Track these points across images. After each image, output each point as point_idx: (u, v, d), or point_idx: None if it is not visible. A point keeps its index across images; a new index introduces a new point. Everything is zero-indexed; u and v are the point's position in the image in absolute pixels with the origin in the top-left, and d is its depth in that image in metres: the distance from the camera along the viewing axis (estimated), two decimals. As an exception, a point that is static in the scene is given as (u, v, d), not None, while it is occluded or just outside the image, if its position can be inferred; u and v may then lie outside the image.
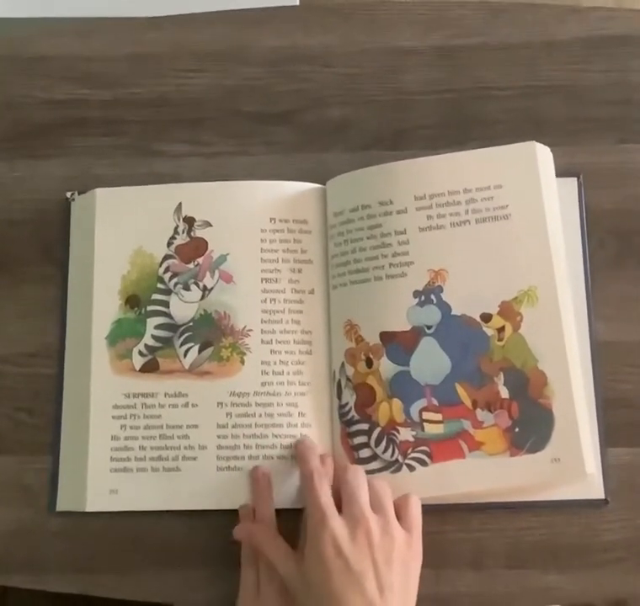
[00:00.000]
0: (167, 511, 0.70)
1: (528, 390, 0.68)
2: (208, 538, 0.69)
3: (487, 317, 0.70)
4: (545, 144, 0.73)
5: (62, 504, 0.71)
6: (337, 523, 0.62)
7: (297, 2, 1.15)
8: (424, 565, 0.67)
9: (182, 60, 0.82)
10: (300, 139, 0.79)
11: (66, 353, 0.74)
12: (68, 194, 0.77)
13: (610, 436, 0.70)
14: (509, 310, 0.69)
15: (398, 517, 0.65)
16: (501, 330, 0.69)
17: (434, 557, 0.68)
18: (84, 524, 0.71)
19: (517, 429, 0.67)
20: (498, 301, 0.70)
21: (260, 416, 0.70)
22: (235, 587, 0.67)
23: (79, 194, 0.77)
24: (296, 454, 0.69)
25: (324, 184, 0.75)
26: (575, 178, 0.75)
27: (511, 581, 0.68)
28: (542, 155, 0.72)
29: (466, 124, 0.79)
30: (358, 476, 0.65)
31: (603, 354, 0.72)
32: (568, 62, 0.80)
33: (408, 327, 0.70)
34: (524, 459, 0.67)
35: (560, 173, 0.74)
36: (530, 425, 0.67)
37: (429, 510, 0.68)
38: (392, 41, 0.81)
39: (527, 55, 0.80)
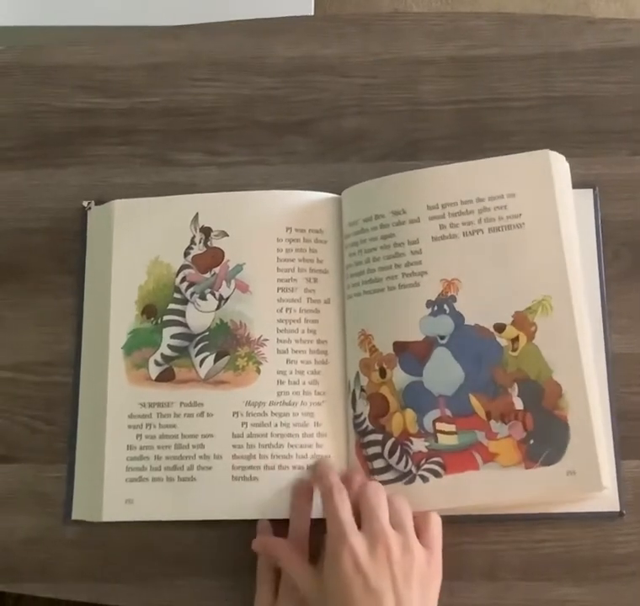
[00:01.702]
0: (181, 520, 0.70)
1: (543, 401, 0.68)
2: (222, 547, 0.69)
3: (500, 327, 0.69)
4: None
5: (78, 513, 0.71)
6: (356, 540, 0.62)
7: (312, 12, 1.15)
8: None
9: (198, 69, 0.82)
10: (316, 149, 0.79)
11: (83, 362, 0.74)
12: (85, 204, 0.78)
13: (624, 448, 0.70)
14: (522, 321, 0.69)
15: (418, 534, 0.64)
16: (515, 340, 0.69)
17: (450, 569, 0.68)
18: (99, 533, 0.71)
19: (532, 441, 0.67)
20: (511, 311, 0.69)
21: (276, 425, 0.70)
22: (248, 597, 0.67)
23: (96, 203, 0.77)
24: (315, 472, 0.69)
25: (340, 194, 0.75)
26: (591, 190, 0.75)
27: (526, 593, 0.68)
28: (557, 163, 0.72)
29: (482, 134, 0.79)
30: (378, 493, 0.65)
31: (617, 366, 0.72)
32: (583, 74, 0.80)
33: (420, 337, 0.70)
34: (539, 471, 0.66)
35: (575, 185, 0.73)
36: (546, 437, 0.67)
37: (445, 521, 0.68)
38: (408, 52, 0.81)
39: (543, 66, 0.80)
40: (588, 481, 0.66)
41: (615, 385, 0.71)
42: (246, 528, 0.69)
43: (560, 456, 0.66)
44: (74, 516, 0.71)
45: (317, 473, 0.69)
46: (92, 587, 0.70)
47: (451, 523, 0.68)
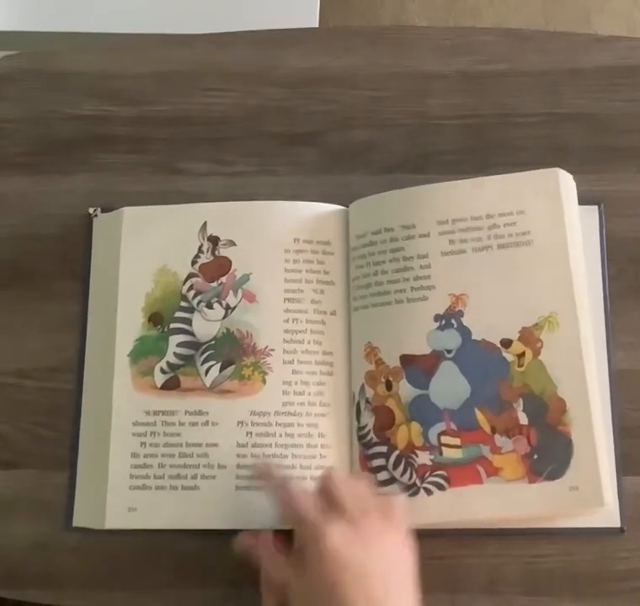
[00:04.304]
0: (183, 529, 0.70)
1: (547, 416, 0.68)
2: (223, 557, 0.69)
3: (507, 343, 0.70)
4: (567, 171, 0.74)
5: (79, 520, 0.71)
6: (332, 533, 0.61)
7: (317, 24, 1.16)
8: (440, 589, 0.68)
9: (208, 79, 0.82)
10: (323, 160, 0.79)
11: (87, 368, 0.74)
12: (91, 211, 0.78)
13: (626, 464, 0.70)
14: (529, 337, 0.69)
15: (385, 517, 0.64)
16: (521, 356, 0.69)
17: (450, 582, 0.68)
18: (101, 540, 0.71)
19: (536, 456, 0.67)
20: (518, 327, 0.70)
21: (280, 436, 0.70)
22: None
23: (102, 210, 0.77)
24: (257, 475, 0.68)
25: (347, 206, 0.76)
26: (596, 206, 0.76)
27: (529, 607, 0.68)
28: (565, 182, 0.73)
29: (490, 149, 0.79)
30: (337, 481, 0.64)
31: (621, 382, 0.72)
32: (591, 91, 0.80)
33: (428, 351, 0.70)
34: (542, 486, 0.66)
35: (581, 201, 0.74)
36: (549, 452, 0.67)
37: (446, 534, 0.69)
38: (417, 65, 0.82)
39: (551, 82, 0.81)
40: (590, 497, 0.66)
41: (618, 402, 0.71)
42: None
43: (563, 471, 0.67)
44: (75, 523, 0.71)
45: (260, 476, 0.68)
46: (93, 594, 0.70)
47: (452, 536, 0.69)
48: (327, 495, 0.64)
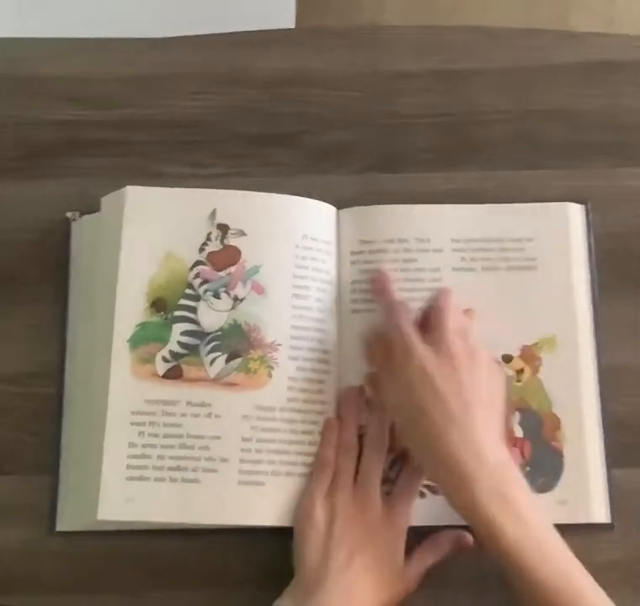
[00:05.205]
0: (171, 530, 0.69)
1: (542, 431, 0.71)
2: (207, 559, 0.69)
3: (508, 359, 0.72)
4: (541, 168, 0.75)
5: (63, 524, 0.70)
6: (422, 350, 0.64)
7: (293, 26, 1.16)
8: (422, 585, 0.67)
9: (183, 82, 0.82)
10: (299, 161, 0.80)
11: (77, 359, 0.73)
12: (69, 215, 0.77)
13: (614, 457, 0.71)
14: (529, 354, 0.72)
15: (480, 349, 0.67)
16: (520, 372, 0.72)
17: (433, 578, 0.68)
18: (86, 544, 0.70)
19: (528, 468, 0.70)
20: (519, 345, 0.72)
21: (285, 432, 0.69)
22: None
23: (81, 214, 0.77)
24: (373, 289, 0.72)
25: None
26: (582, 206, 0.76)
27: (512, 602, 0.68)
28: (574, 214, 0.76)
29: (464, 147, 0.80)
30: (445, 302, 0.67)
31: (604, 377, 0.72)
32: (564, 87, 0.81)
33: None
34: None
35: (558, 197, 0.76)
36: (542, 466, 0.70)
37: (431, 530, 0.68)
38: (391, 65, 0.82)
39: (524, 79, 0.81)
40: (577, 513, 0.69)
41: (604, 396, 0.72)
42: (231, 539, 0.69)
43: (554, 485, 0.69)
44: (59, 527, 0.70)
45: (374, 292, 0.72)
46: (81, 598, 0.70)
47: (436, 531, 0.68)
48: (434, 312, 0.67)
